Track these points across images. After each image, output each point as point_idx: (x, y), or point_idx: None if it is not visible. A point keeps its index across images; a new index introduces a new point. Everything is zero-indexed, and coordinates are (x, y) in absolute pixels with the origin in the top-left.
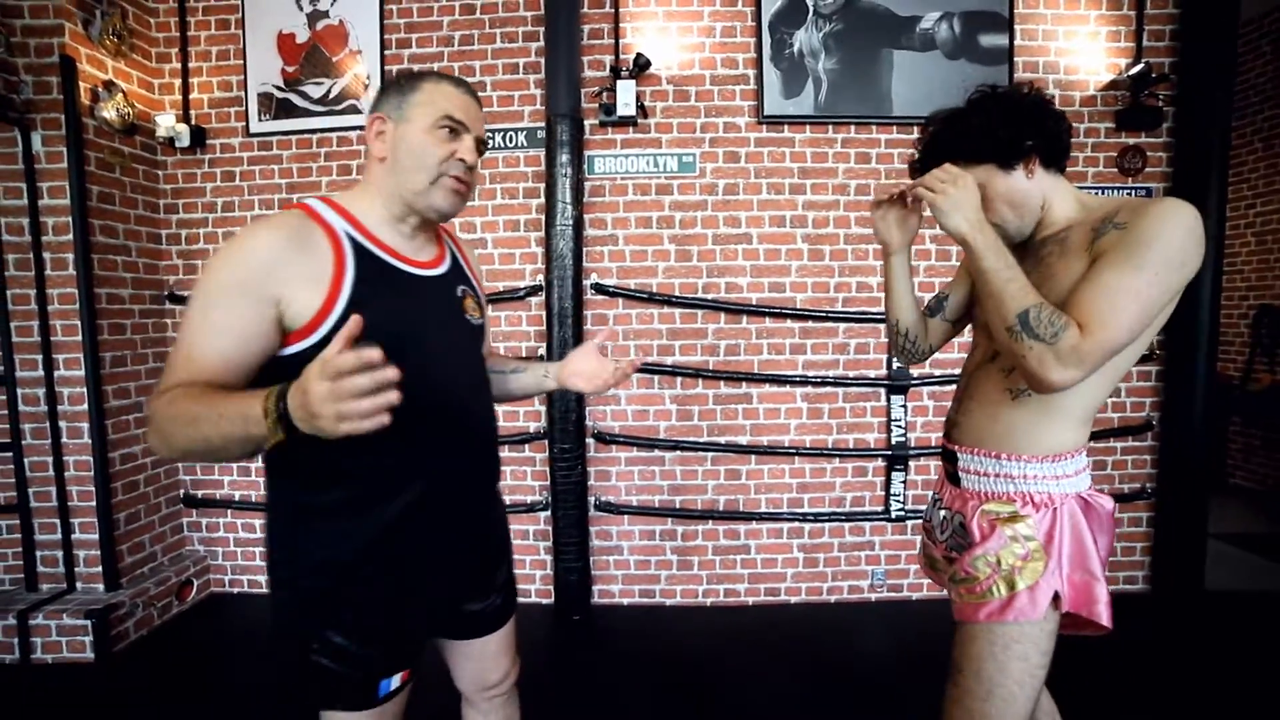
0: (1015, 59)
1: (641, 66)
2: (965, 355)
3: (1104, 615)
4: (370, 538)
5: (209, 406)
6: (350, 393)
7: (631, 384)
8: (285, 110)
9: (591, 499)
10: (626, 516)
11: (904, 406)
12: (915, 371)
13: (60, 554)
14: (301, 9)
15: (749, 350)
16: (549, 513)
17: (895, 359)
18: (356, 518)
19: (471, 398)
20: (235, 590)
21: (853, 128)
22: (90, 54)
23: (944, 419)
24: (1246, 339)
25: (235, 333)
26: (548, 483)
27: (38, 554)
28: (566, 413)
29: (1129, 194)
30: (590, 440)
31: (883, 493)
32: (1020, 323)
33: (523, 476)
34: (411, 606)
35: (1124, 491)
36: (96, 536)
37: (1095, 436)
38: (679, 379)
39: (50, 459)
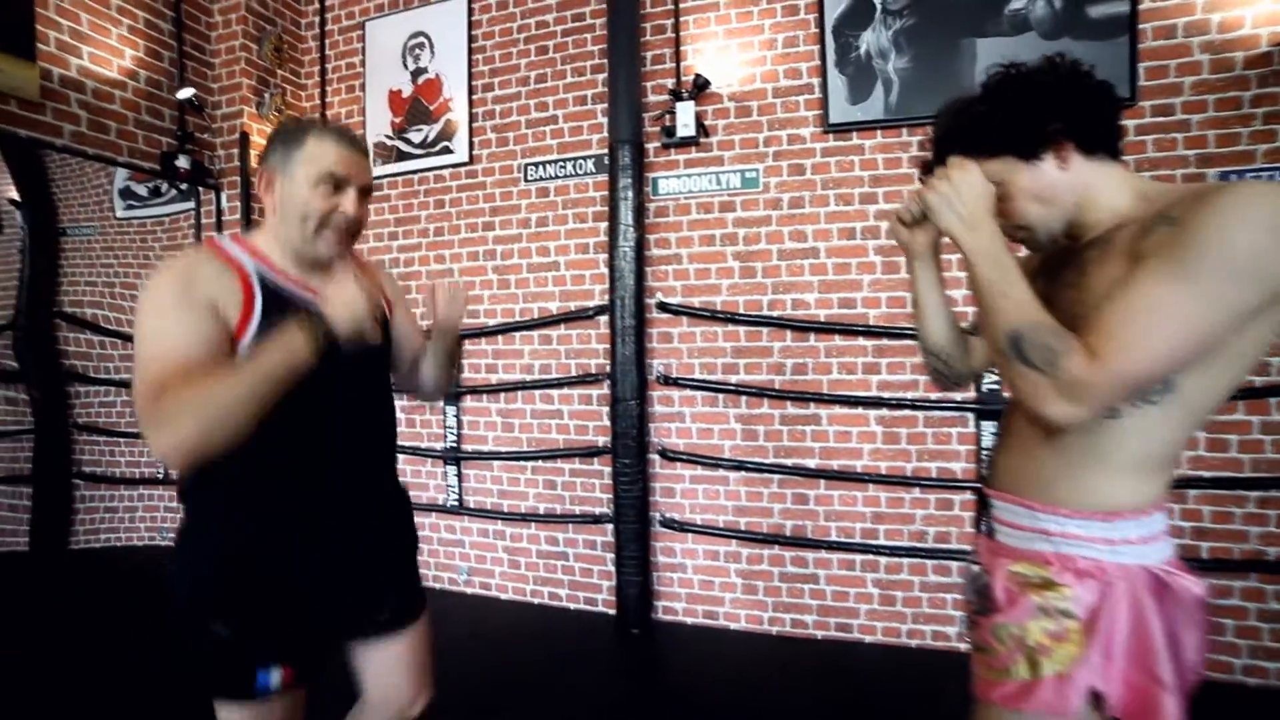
0: (1141, 25)
1: (700, 87)
2: None
3: None
4: (250, 537)
5: (231, 373)
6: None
7: (696, 401)
8: (394, 155)
9: (655, 515)
10: (690, 535)
11: (996, 434)
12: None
13: None
14: (406, 68)
15: (818, 369)
16: (614, 526)
17: (934, 383)
18: (242, 519)
19: (353, 414)
20: None
21: (930, 129)
22: (259, 127)
23: None
24: None
25: (192, 335)
26: (612, 495)
27: None
28: (629, 428)
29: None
30: (654, 456)
31: (972, 529)
32: (1010, 344)
33: (590, 489)
34: (289, 604)
35: (1267, 557)
36: None
37: (1208, 484)
38: (744, 398)
39: None
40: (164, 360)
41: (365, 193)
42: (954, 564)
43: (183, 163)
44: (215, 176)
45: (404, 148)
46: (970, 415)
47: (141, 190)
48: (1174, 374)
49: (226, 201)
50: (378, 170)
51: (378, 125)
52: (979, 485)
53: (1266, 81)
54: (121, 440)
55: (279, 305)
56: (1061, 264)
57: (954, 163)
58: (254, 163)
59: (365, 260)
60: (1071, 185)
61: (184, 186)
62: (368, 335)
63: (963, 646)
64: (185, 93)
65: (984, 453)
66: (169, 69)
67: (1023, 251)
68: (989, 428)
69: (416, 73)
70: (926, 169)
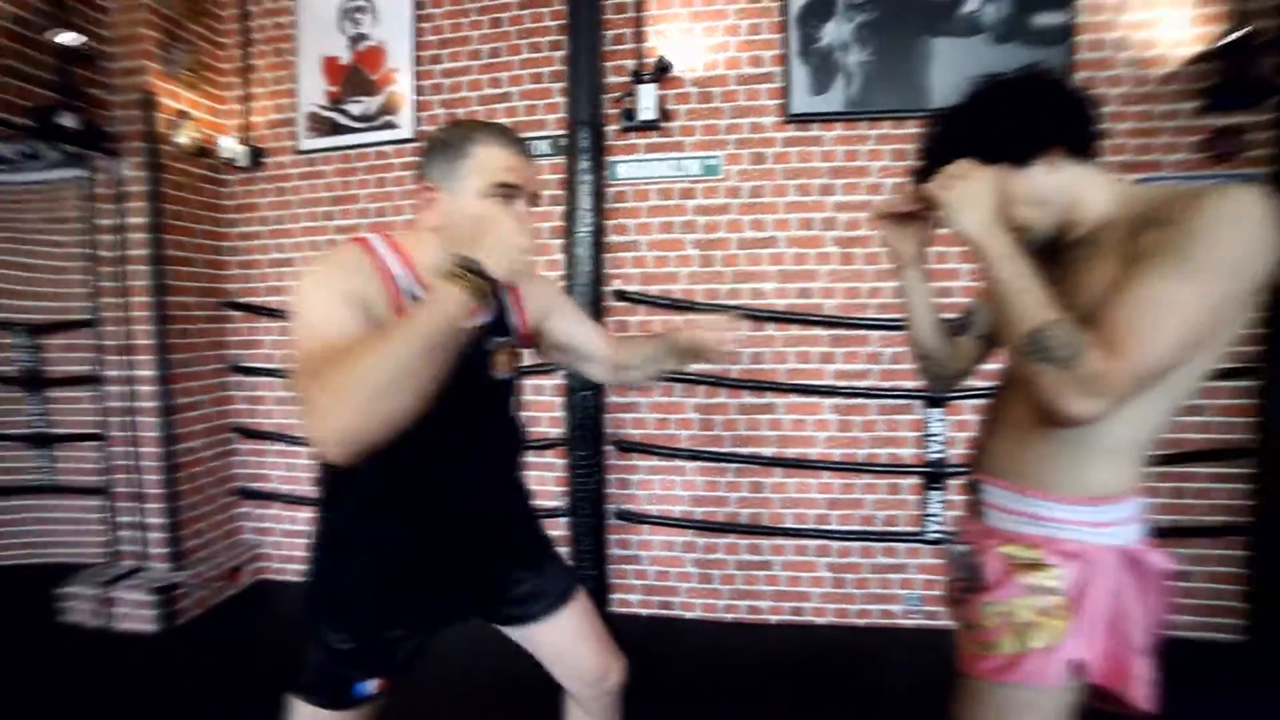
0: (1076, 38)
1: (663, 70)
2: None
3: (1141, 695)
4: (376, 554)
5: (384, 338)
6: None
7: (653, 391)
8: (330, 128)
9: (611, 507)
10: (646, 526)
11: (943, 420)
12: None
13: (135, 534)
14: (344, 33)
15: (774, 358)
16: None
17: (925, 384)
18: (365, 537)
19: (478, 448)
20: (280, 578)
21: (888, 123)
22: (168, 88)
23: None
24: None
25: (352, 327)
26: (567, 489)
27: (118, 533)
28: (585, 419)
29: (1219, 183)
30: (609, 448)
31: (918, 512)
32: (1032, 343)
33: (544, 482)
34: (407, 620)
35: (1209, 524)
36: (163, 521)
37: (1174, 460)
38: (701, 387)
39: (127, 449)
40: (325, 351)
41: (534, 201)
42: (900, 545)
43: (68, 121)
44: (113, 140)
45: (341, 120)
46: (918, 403)
47: (7, 152)
48: (1180, 365)
49: (129, 171)
50: (309, 143)
51: (311, 94)
52: (926, 471)
53: (1176, 97)
54: None
55: None
56: (1047, 262)
57: (966, 167)
58: (161, 127)
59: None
60: (1061, 188)
61: (70, 150)
62: (526, 274)
63: (906, 623)
64: (68, 37)
65: (932, 438)
66: (43, 7)
67: None
68: (936, 414)
69: (356, 39)
70: (921, 175)
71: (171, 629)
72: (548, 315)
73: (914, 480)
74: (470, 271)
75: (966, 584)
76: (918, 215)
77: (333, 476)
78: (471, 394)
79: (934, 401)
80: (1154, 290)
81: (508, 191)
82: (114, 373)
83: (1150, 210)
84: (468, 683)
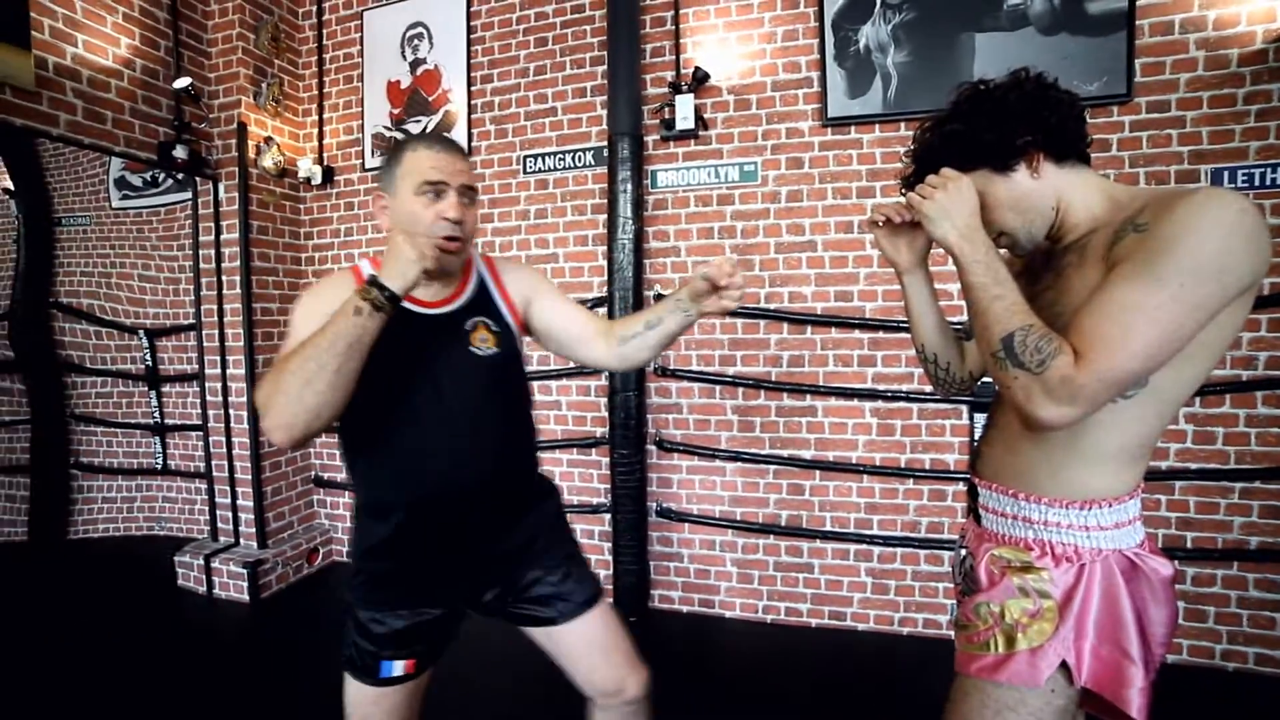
0: (1138, 22)
1: (700, 80)
2: None
3: (1133, 703)
4: (383, 536)
5: (309, 341)
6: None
7: (693, 393)
8: (393, 147)
9: (652, 505)
10: (687, 524)
11: (984, 426)
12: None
13: (230, 515)
14: (405, 59)
15: (814, 362)
16: (612, 515)
17: (935, 388)
18: (375, 519)
19: (466, 420)
20: (349, 562)
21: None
22: (257, 118)
23: None
24: None
25: None
26: (610, 485)
27: (217, 513)
28: (627, 419)
29: (1204, 186)
30: (651, 447)
31: (964, 520)
32: (1004, 347)
33: (589, 479)
34: (419, 601)
35: (1249, 547)
36: (252, 504)
37: (1265, 476)
38: (740, 390)
39: (224, 439)
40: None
41: (467, 193)
42: (946, 554)
43: (180, 153)
44: (213, 167)
45: (402, 139)
46: (964, 408)
47: (137, 181)
48: (1153, 371)
49: (224, 192)
50: (374, 161)
51: (376, 116)
52: (968, 475)
53: (1260, 78)
54: (119, 431)
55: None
56: (1042, 267)
57: (946, 174)
58: (251, 153)
59: (497, 259)
60: (1046, 192)
61: (180, 177)
62: (413, 285)
63: (952, 634)
64: (182, 82)
65: (974, 443)
66: (165, 58)
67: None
68: (982, 419)
69: (415, 64)
70: (908, 182)
71: (259, 600)
72: (530, 301)
73: (959, 487)
74: (372, 285)
75: (963, 586)
76: (911, 222)
77: (349, 464)
78: (452, 371)
79: (979, 407)
80: (1124, 296)
81: (435, 188)
82: (212, 371)
83: (1134, 214)
84: (512, 677)
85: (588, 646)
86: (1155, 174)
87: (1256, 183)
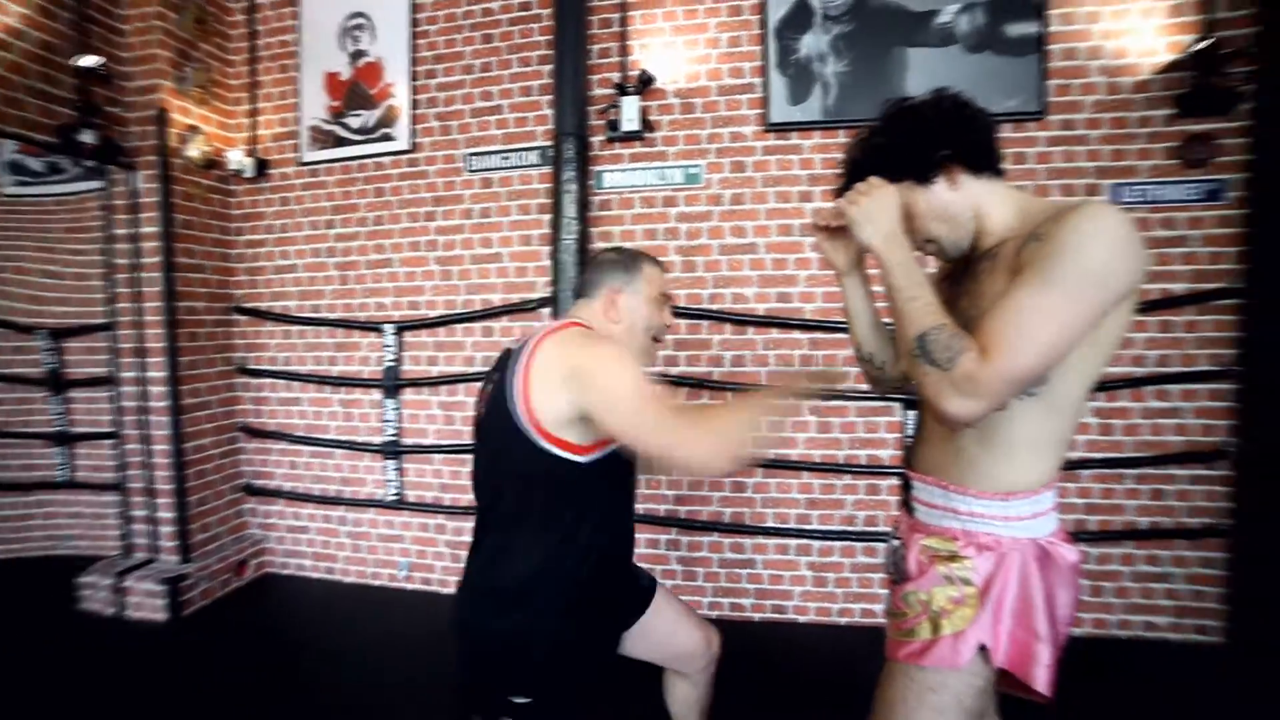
0: (1049, 46)
1: (646, 82)
2: None
3: (1041, 680)
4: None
5: (735, 406)
6: None
7: None
8: (331, 141)
9: None
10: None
11: (916, 422)
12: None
13: (147, 528)
14: (345, 50)
15: (755, 361)
16: None
17: (871, 387)
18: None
19: (631, 499)
20: (284, 572)
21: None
22: (180, 104)
23: None
24: None
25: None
26: None
27: (132, 527)
28: None
29: (1086, 201)
30: None
31: (898, 512)
32: (919, 345)
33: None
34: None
35: (1189, 526)
36: (174, 515)
37: (1153, 463)
38: (684, 389)
39: (140, 447)
40: (657, 394)
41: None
42: (881, 545)
43: (88, 138)
44: (128, 155)
45: (342, 133)
46: (897, 405)
47: (36, 166)
48: (1050, 368)
49: (143, 183)
50: (311, 155)
51: (313, 108)
52: (903, 469)
53: (1149, 105)
54: (14, 441)
55: None
56: (962, 273)
57: (872, 183)
58: (173, 141)
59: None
60: (964, 203)
61: (90, 164)
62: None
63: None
64: (89, 60)
65: (908, 439)
66: (67, 31)
67: (933, 264)
68: (914, 416)
69: (356, 55)
70: (839, 191)
71: (179, 618)
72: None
73: (893, 481)
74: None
75: (894, 575)
76: (845, 227)
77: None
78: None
79: (911, 404)
80: (1023, 299)
81: (666, 299)
82: (128, 374)
83: (1036, 226)
84: None
85: (672, 620)
86: (1066, 187)
87: (1147, 199)
